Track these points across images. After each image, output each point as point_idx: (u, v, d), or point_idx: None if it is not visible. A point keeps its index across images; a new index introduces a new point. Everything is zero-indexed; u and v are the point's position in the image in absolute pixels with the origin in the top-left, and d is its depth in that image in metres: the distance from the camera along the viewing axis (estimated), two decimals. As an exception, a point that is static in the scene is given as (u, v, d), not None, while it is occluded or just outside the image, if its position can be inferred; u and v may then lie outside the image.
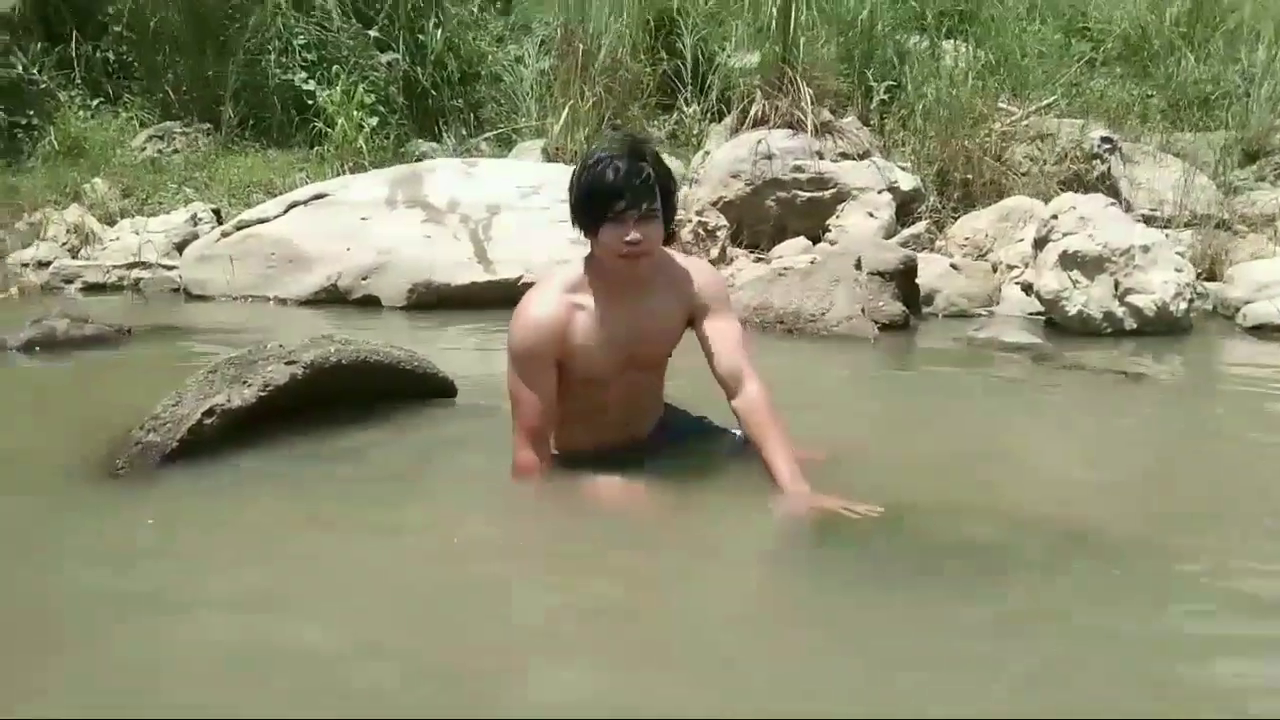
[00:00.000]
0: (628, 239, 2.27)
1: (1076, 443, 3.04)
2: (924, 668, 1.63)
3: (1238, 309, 4.68)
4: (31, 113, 7.51)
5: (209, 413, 2.86)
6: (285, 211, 5.68)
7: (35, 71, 7.75)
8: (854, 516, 2.18)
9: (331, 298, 5.36)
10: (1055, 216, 4.49)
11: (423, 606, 1.92)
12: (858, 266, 4.44)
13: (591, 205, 2.31)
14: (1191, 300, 4.37)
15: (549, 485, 2.45)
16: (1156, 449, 2.98)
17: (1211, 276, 5.18)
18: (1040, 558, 2.08)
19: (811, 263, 5.41)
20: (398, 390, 3.33)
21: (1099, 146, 7.11)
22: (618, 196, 2.25)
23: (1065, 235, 4.37)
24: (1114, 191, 6.70)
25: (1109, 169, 7.11)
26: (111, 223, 6.79)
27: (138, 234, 6.53)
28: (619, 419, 2.56)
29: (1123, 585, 1.96)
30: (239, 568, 2.12)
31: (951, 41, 8.21)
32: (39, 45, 7.95)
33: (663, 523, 2.37)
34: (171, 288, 5.78)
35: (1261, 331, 4.54)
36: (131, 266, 5.92)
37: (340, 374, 3.14)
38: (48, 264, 6.11)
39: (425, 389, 3.39)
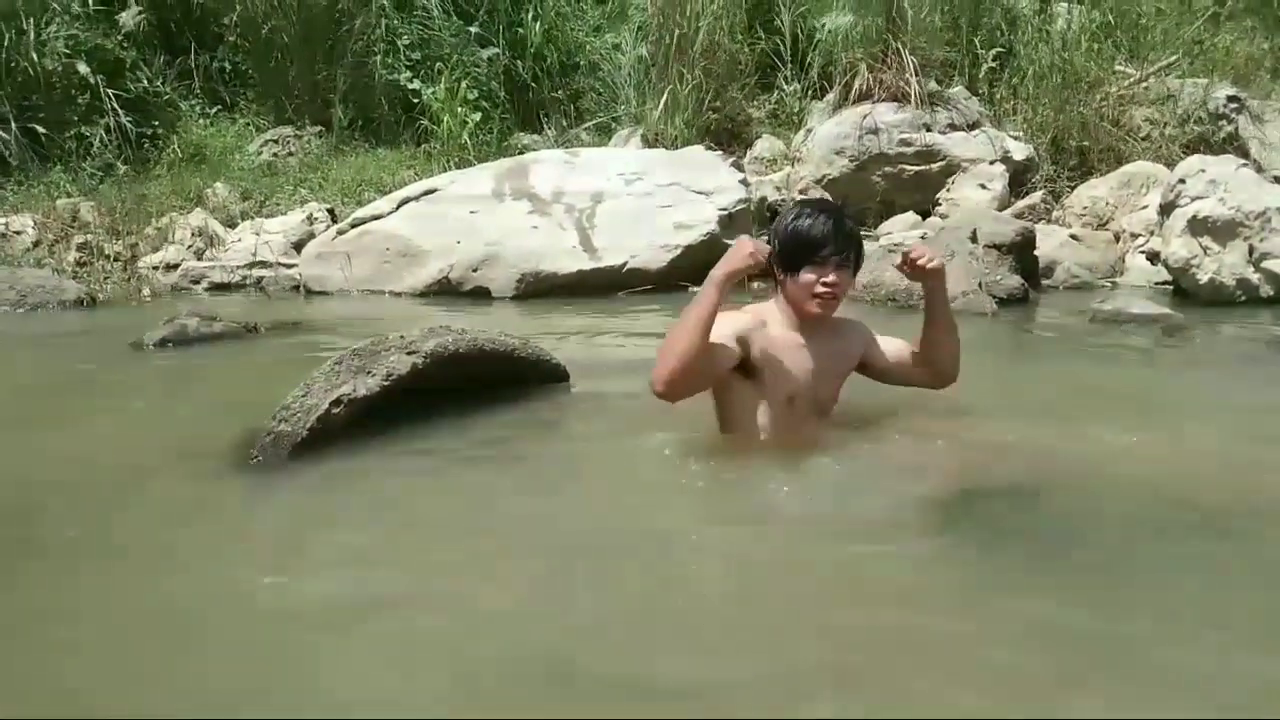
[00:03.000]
0: (826, 280, 2.48)
1: (1218, 418, 2.87)
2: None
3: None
4: (156, 123, 7.86)
5: (336, 402, 2.94)
6: (398, 208, 5.82)
7: (159, 84, 8.11)
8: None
9: (444, 290, 5.48)
10: (1183, 180, 4.27)
11: (585, 588, 1.92)
12: (973, 239, 4.31)
13: (800, 247, 2.50)
14: (1336, 263, 4.12)
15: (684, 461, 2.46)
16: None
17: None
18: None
19: (922, 237, 5.29)
20: (512, 377, 3.38)
21: (1225, 106, 6.78)
22: (826, 243, 2.47)
23: (1194, 200, 4.16)
24: (1243, 152, 6.36)
25: (1236, 129, 6.77)
26: (233, 225, 7.06)
27: (257, 235, 6.79)
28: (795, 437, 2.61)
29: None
30: (374, 555, 2.17)
31: (1064, 4, 7.91)
32: (161, 59, 8.32)
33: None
34: (292, 285, 5.99)
35: None
36: (253, 266, 6.16)
37: (458, 362, 3.19)
38: (175, 266, 6.39)
39: (538, 375, 3.43)
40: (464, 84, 7.94)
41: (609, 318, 4.73)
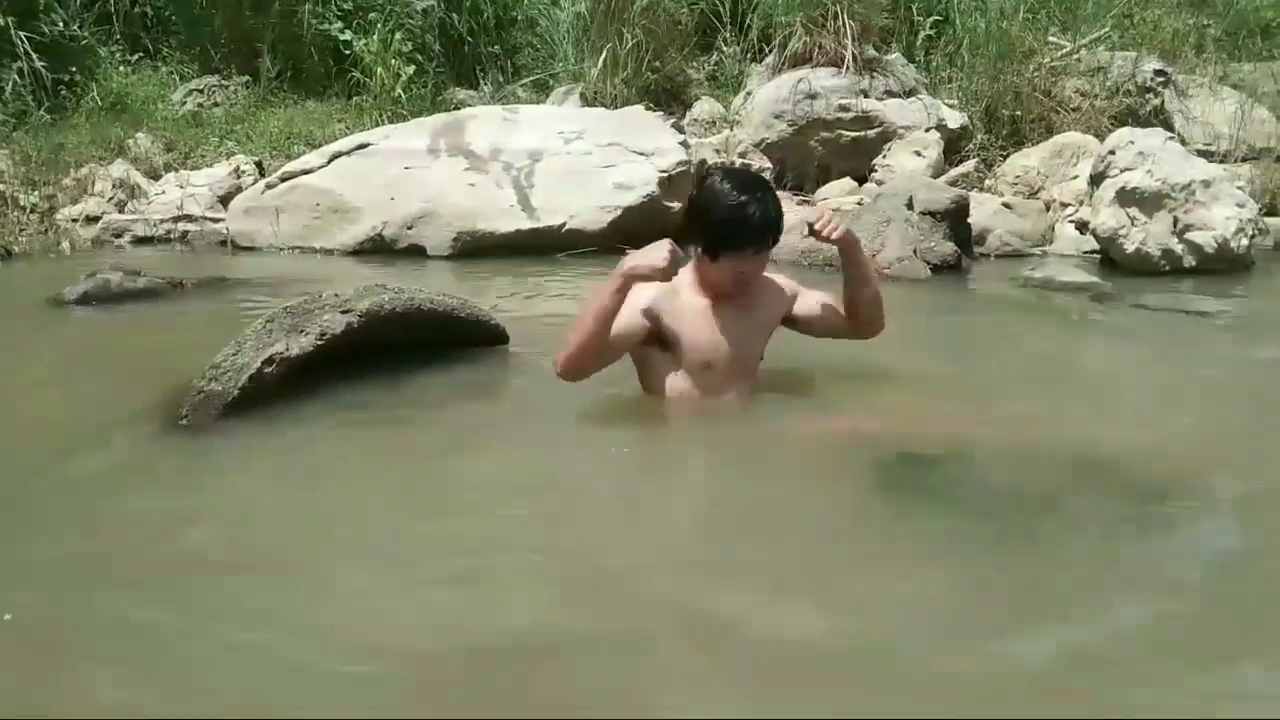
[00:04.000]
0: (743, 269, 2.47)
1: (1140, 384, 2.97)
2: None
3: (1309, 243, 4.57)
4: (74, 69, 7.52)
5: (269, 361, 2.87)
6: (329, 162, 5.67)
7: (76, 28, 7.76)
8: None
9: (377, 248, 5.37)
10: (1113, 152, 4.37)
11: (488, 551, 1.92)
12: (909, 206, 4.36)
13: (722, 234, 2.44)
14: (1253, 236, 4.26)
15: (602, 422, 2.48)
16: (1225, 390, 2.90)
17: (1272, 212, 5.04)
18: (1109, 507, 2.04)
19: (859, 204, 5.33)
20: (450, 338, 3.33)
21: (1152, 79, 6.93)
22: (750, 234, 2.43)
23: (1123, 171, 4.26)
24: (1168, 126, 6.52)
25: (1163, 103, 6.93)
26: (156, 177, 6.83)
27: (182, 188, 6.57)
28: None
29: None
30: (302, 516, 2.13)
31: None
32: (78, 1, 7.96)
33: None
34: (219, 240, 5.82)
35: (1333, 266, 4.40)
36: (178, 220, 5.97)
37: (394, 322, 3.14)
38: (96, 219, 6.16)
39: (477, 336, 3.39)
40: (398, 36, 7.75)
41: (547, 279, 4.69)
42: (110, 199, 6.55)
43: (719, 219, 2.45)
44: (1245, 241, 4.19)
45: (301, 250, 5.50)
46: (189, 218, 5.97)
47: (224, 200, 6.48)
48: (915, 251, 4.19)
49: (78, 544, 1.99)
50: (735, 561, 1.81)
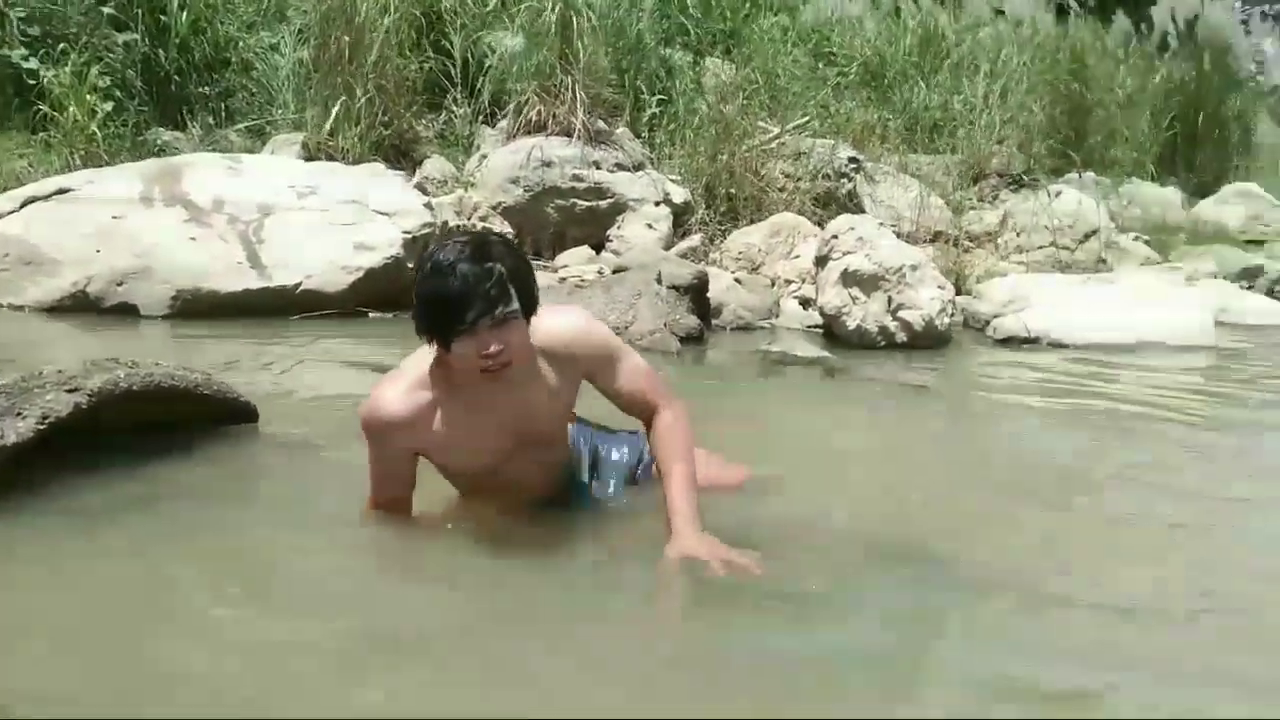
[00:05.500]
0: (486, 353, 2.01)
1: (888, 454, 3.24)
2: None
3: (987, 322, 5.23)
4: None
5: (-19, 449, 2.51)
6: (21, 207, 5.05)
7: None
8: (720, 572, 2.04)
9: (79, 305, 4.82)
10: (835, 236, 4.81)
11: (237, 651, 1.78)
12: (659, 280, 4.55)
13: (436, 320, 2.03)
14: (952, 315, 4.84)
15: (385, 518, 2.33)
16: (945, 458, 3.25)
17: (956, 290, 5.73)
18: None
19: (599, 273, 5.49)
20: (192, 416, 3.06)
21: (846, 166, 7.67)
22: (465, 307, 1.97)
23: (845, 254, 4.70)
24: (860, 208, 7.24)
25: (855, 187, 7.69)
26: None
27: None
28: (518, 489, 2.38)
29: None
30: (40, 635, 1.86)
31: (712, 59, 8.59)
32: None
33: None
34: None
35: (1011, 343, 5.10)
36: None
37: (130, 400, 2.85)
38: None
39: (224, 414, 3.14)
40: (95, 69, 7.07)
41: (283, 344, 4.43)
42: None
43: (423, 303, 2.05)
44: (947, 320, 4.76)
45: (-17, 306, 4.85)
46: None
47: (-128, 243, 5.59)
48: (665, 324, 4.37)
49: None
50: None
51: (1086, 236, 6.70)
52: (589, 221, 6.92)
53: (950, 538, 2.43)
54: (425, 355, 2.19)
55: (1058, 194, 7.10)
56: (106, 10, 7.52)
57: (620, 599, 2.14)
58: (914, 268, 4.72)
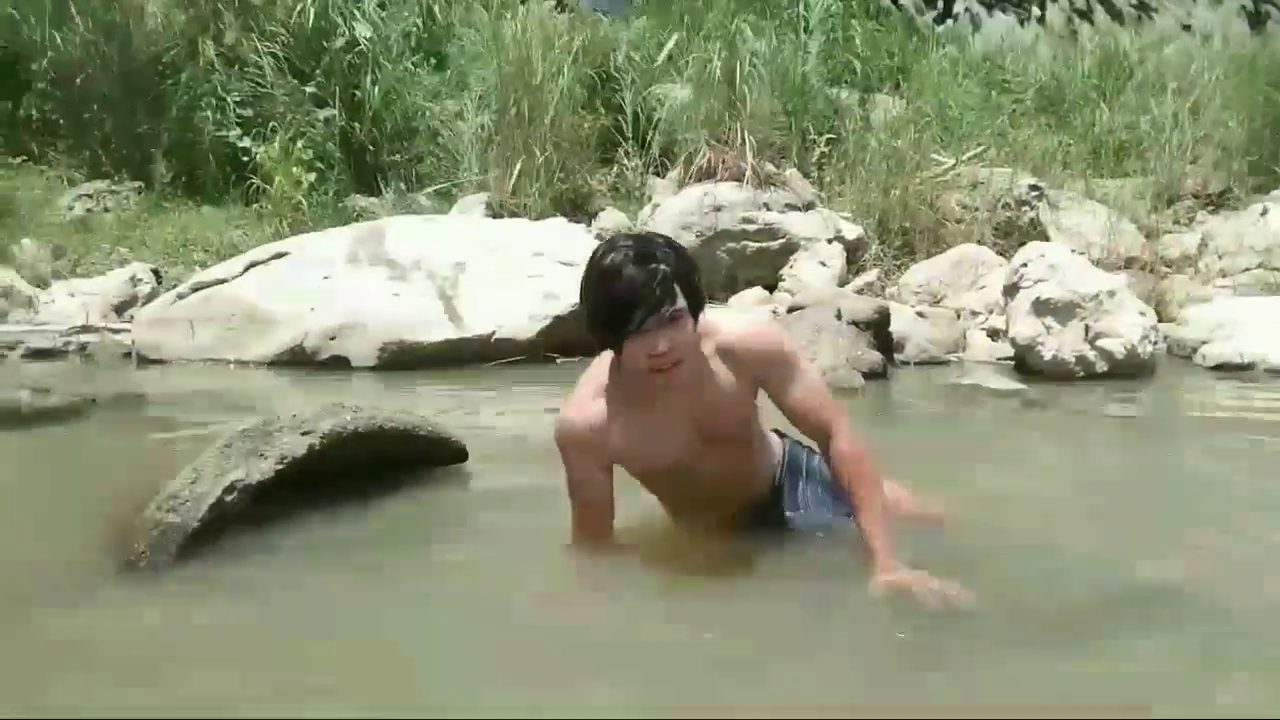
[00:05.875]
0: (655, 353, 2.01)
1: (1101, 488, 3.06)
2: None
3: (1194, 349, 4.92)
4: (-48, 173, 7.20)
5: (229, 489, 2.74)
6: (244, 271, 5.53)
7: (-48, 130, 7.45)
8: (934, 606, 1.99)
9: (297, 359, 5.22)
10: (1025, 265, 4.67)
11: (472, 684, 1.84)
12: (838, 316, 4.54)
13: (605, 324, 2.05)
14: (1155, 342, 4.60)
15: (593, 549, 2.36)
16: (1165, 492, 3.06)
17: (1157, 317, 5.45)
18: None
19: (774, 313, 5.51)
20: (408, 458, 3.26)
21: (1028, 194, 7.44)
22: (632, 309, 1.97)
23: (1037, 283, 4.55)
24: (1044, 237, 6.99)
25: (1037, 215, 7.44)
26: (42, 285, 6.52)
27: (73, 296, 6.29)
28: (712, 495, 2.36)
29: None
30: (283, 662, 1.99)
31: (880, 95, 8.55)
32: (-47, 104, 7.65)
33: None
34: (122, 352, 5.55)
35: (1222, 370, 4.77)
36: (81, 330, 5.67)
37: (356, 443, 3.06)
38: (-19, 330, 5.81)
39: (437, 455, 3.32)
40: (299, 144, 7.69)
41: (484, 390, 4.66)
42: (-7, 309, 6.20)
43: (592, 307, 2.08)
44: (1150, 347, 4.53)
45: (214, 362, 5.30)
46: (89, 328, 5.68)
47: (118, 309, 6.23)
48: (847, 360, 4.35)
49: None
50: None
51: (1300, 256, 6.25)
52: (760, 263, 6.97)
53: (1183, 575, 2.29)
54: (602, 363, 2.23)
55: (1264, 212, 6.65)
56: (309, 89, 8.19)
57: (833, 622, 2.11)
58: (1111, 294, 4.52)
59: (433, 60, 9.28)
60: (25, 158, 7.79)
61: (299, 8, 8.35)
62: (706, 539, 2.43)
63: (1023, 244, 6.17)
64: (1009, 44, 9.40)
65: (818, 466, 2.44)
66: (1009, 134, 8.08)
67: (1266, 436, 3.70)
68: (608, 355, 2.21)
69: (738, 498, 2.42)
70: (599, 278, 2.04)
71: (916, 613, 2.00)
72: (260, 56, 8.12)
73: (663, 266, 2.01)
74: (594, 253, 2.12)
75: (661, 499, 2.47)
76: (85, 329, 5.67)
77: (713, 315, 2.21)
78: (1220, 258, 6.59)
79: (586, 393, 2.25)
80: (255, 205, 7.69)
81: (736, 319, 2.31)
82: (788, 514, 2.48)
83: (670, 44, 7.50)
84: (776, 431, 2.50)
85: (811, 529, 2.44)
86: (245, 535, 2.64)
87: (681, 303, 2.02)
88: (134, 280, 6.43)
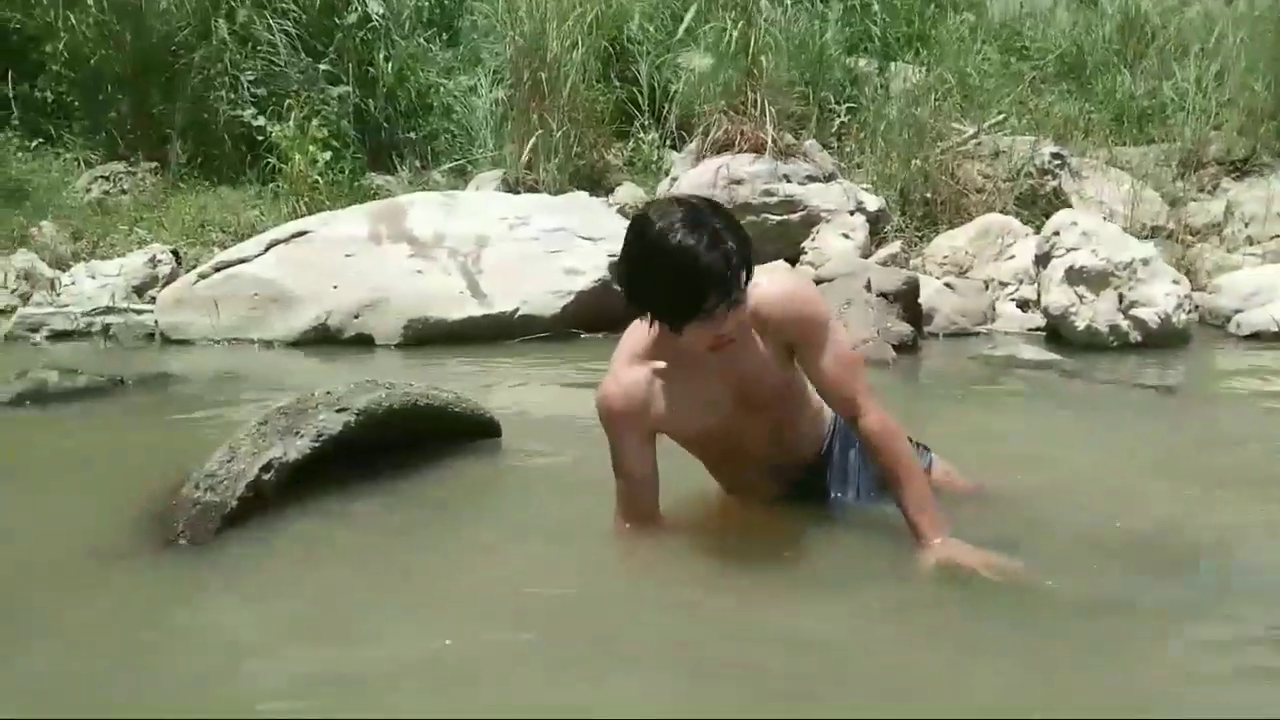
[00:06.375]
0: (721, 336, 1.98)
1: (1147, 459, 3.00)
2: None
3: (1228, 318, 4.86)
4: (-32, 156, 7.18)
5: (266, 467, 2.73)
6: (266, 250, 5.51)
7: (-32, 113, 7.43)
8: (990, 577, 1.98)
9: (320, 338, 5.21)
10: (1057, 233, 4.61)
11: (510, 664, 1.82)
12: (867, 288, 4.49)
13: (674, 305, 1.95)
14: (1189, 312, 4.53)
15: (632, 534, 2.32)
16: (1212, 463, 2.99)
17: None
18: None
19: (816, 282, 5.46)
20: (442, 432, 3.24)
21: (1050, 162, 7.35)
22: (705, 294, 1.89)
23: (1069, 251, 4.49)
24: (1066, 205, 6.91)
25: (1060, 184, 7.35)
26: (62, 267, 6.52)
27: (93, 278, 6.28)
28: (754, 458, 2.38)
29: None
30: (330, 637, 1.98)
31: (899, 64, 8.44)
32: (-32, 87, 7.63)
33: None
34: (145, 333, 5.55)
35: (1259, 340, 4.71)
36: (103, 312, 5.67)
37: (391, 419, 3.05)
38: (4, 312, 5.81)
39: (470, 430, 3.31)
40: (314, 122, 7.64)
41: (510, 366, 4.63)
42: (14, 291, 6.21)
43: (654, 286, 1.98)
44: (1184, 316, 4.46)
45: (238, 342, 5.29)
46: (112, 309, 5.68)
47: (139, 290, 6.22)
48: (878, 332, 4.30)
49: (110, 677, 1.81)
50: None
51: (1332, 223, 6.16)
52: (781, 237, 6.90)
53: (1227, 547, 2.27)
54: (635, 333, 2.18)
55: (1291, 177, 6.56)
56: (322, 67, 8.13)
57: (876, 599, 2.08)
58: (1145, 262, 4.46)
59: (445, 35, 9.23)
60: (41, 140, 7.78)
61: (311, -17, 8.29)
62: (751, 521, 2.41)
63: (1047, 214, 6.11)
64: (1027, 9, 9.26)
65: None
66: (1030, 101, 7.97)
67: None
68: (640, 325, 2.15)
69: (782, 461, 2.40)
70: (666, 256, 1.90)
71: (967, 585, 1.98)
72: (273, 34, 8.07)
73: (732, 246, 1.92)
74: (646, 224, 1.98)
75: (705, 461, 2.45)
76: (109, 310, 5.66)
77: (755, 278, 2.08)
78: (1247, 225, 6.50)
79: (623, 364, 2.21)
80: (271, 185, 7.65)
81: (774, 280, 2.15)
82: (835, 494, 2.46)
83: (690, 14, 7.37)
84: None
85: (862, 513, 2.40)
86: (281, 512, 2.63)
87: (744, 285, 1.95)
88: (154, 261, 6.41)
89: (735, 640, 1.87)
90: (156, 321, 5.50)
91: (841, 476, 2.46)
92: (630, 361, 2.20)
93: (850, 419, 2.21)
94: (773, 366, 2.19)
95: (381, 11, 8.41)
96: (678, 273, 1.90)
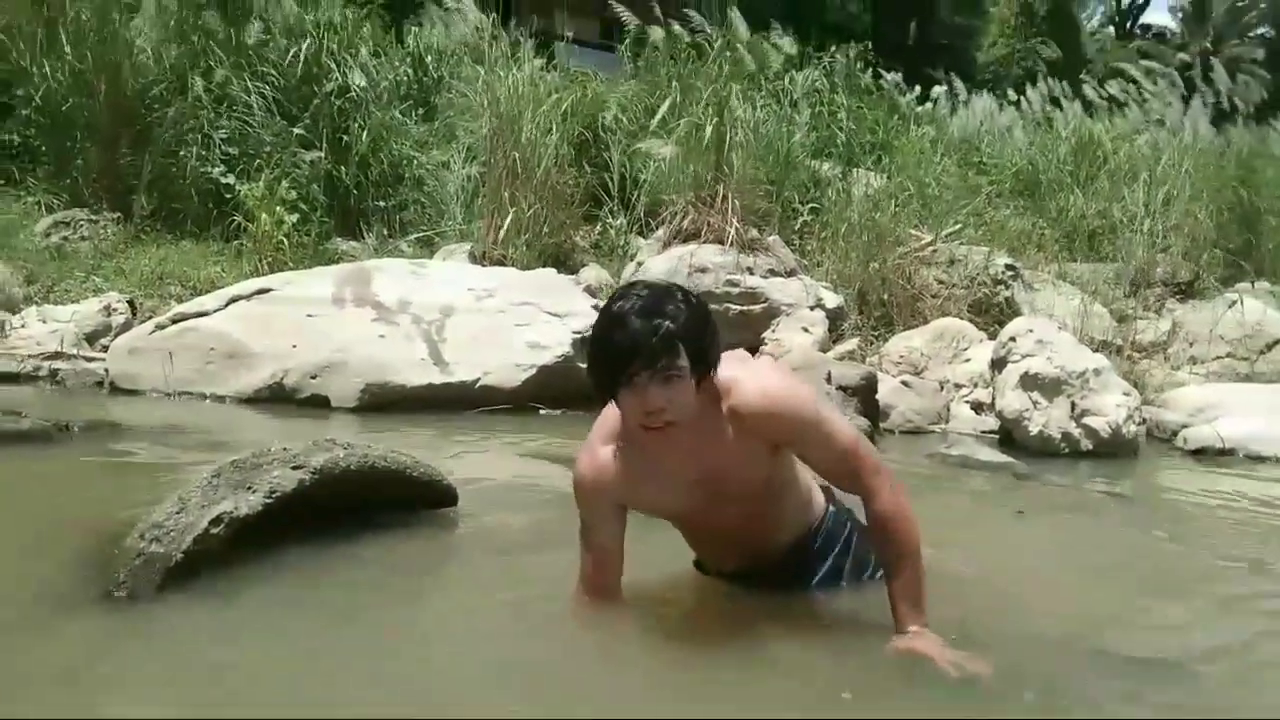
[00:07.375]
0: (647, 408, 1.97)
1: (1100, 562, 3.04)
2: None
3: (1175, 431, 4.98)
4: (-75, 193, 7.08)
5: (216, 521, 2.66)
6: (226, 305, 5.45)
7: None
8: (949, 673, 1.97)
9: (275, 396, 5.12)
10: (1014, 339, 4.73)
11: None
12: (828, 380, 4.55)
13: (601, 370, 2.01)
14: (1139, 423, 4.64)
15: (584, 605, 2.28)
16: (1159, 568, 3.04)
17: (1138, 400, 5.52)
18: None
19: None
20: (398, 499, 3.19)
21: (1004, 273, 7.58)
22: (628, 362, 1.94)
23: (1025, 357, 4.60)
24: (1016, 315, 7.10)
25: (1013, 294, 7.57)
26: (13, 310, 6.38)
27: (44, 322, 6.15)
28: (724, 546, 2.38)
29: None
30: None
31: (861, 170, 8.72)
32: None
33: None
34: (94, 380, 5.42)
35: (1205, 455, 4.81)
36: (52, 356, 5.54)
37: (346, 480, 3.00)
38: (-54, 353, 5.65)
39: (426, 497, 3.26)
40: (283, 184, 7.66)
41: (467, 435, 4.58)
42: (-40, 331, 6.06)
43: (592, 351, 2.06)
44: (1134, 427, 4.57)
45: (189, 395, 5.18)
46: (60, 354, 5.55)
47: (90, 338, 6.10)
48: (837, 425, 4.34)
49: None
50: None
51: (1269, 347, 6.38)
52: (743, 326, 6.99)
53: (1176, 649, 2.29)
54: (612, 408, 2.18)
55: (1231, 304, 6.81)
56: (296, 131, 8.19)
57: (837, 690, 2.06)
58: (1097, 373, 4.58)
59: (421, 110, 9.36)
60: (3, 181, 7.69)
61: (292, 52, 8.40)
62: (713, 600, 2.38)
63: (1000, 322, 6.28)
64: (986, 127, 9.66)
65: (859, 543, 2.40)
66: (986, 214, 8.25)
67: (1244, 516, 3.74)
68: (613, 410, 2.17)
69: (754, 552, 2.38)
70: (604, 323, 2.02)
71: (929, 680, 1.97)
72: (250, 96, 8.13)
73: (668, 323, 1.94)
74: (610, 298, 2.08)
75: (680, 531, 2.43)
76: (57, 355, 5.53)
77: (734, 372, 2.11)
78: (1191, 345, 6.72)
79: (599, 438, 2.22)
80: (236, 242, 7.62)
81: (754, 381, 2.10)
82: (813, 575, 2.42)
83: (664, 107, 7.58)
84: (827, 492, 2.44)
85: (834, 595, 2.38)
86: (228, 569, 2.56)
87: (683, 363, 1.96)
88: (108, 310, 6.31)
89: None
90: (107, 370, 5.38)
91: (820, 561, 2.43)
92: (604, 438, 2.20)
93: (865, 503, 2.18)
94: (745, 462, 2.15)
95: (362, 84, 8.53)
96: (610, 337, 1.98)
